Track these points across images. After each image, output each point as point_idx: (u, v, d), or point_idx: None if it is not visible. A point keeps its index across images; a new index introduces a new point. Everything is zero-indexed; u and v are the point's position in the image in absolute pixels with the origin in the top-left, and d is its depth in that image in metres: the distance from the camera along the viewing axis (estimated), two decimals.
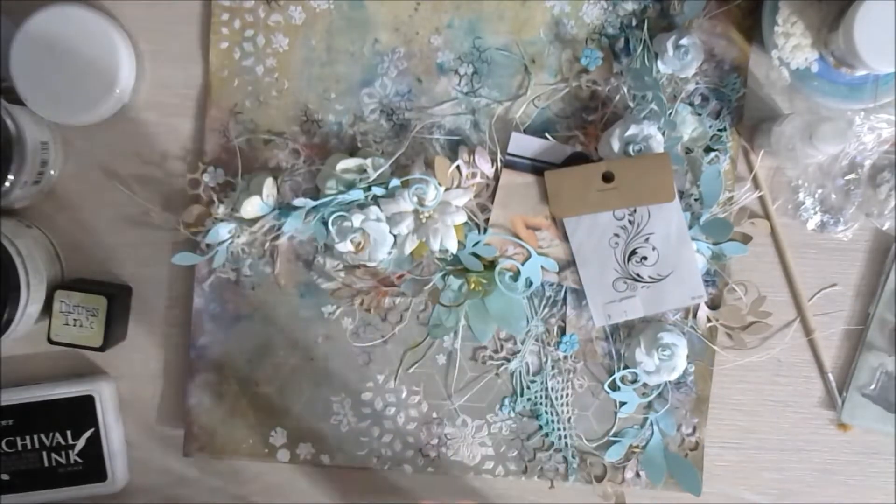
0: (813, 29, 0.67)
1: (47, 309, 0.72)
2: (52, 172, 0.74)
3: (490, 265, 0.73)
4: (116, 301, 0.73)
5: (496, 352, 0.75)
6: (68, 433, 0.70)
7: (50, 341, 0.72)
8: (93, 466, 0.70)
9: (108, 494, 0.73)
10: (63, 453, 0.70)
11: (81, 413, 0.71)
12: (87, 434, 0.70)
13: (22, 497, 0.70)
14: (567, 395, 0.75)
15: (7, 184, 0.69)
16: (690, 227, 0.72)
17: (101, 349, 0.72)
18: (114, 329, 0.73)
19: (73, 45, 0.70)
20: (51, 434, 0.70)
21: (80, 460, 0.70)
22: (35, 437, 0.70)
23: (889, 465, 0.76)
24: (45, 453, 0.70)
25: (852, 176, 0.73)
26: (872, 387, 0.75)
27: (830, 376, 0.75)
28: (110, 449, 0.70)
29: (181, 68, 0.74)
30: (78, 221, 0.75)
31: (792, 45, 0.67)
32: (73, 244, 0.75)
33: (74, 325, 0.72)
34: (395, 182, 0.71)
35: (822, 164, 0.74)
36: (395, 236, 0.72)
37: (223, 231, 0.72)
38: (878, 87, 0.67)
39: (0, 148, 0.68)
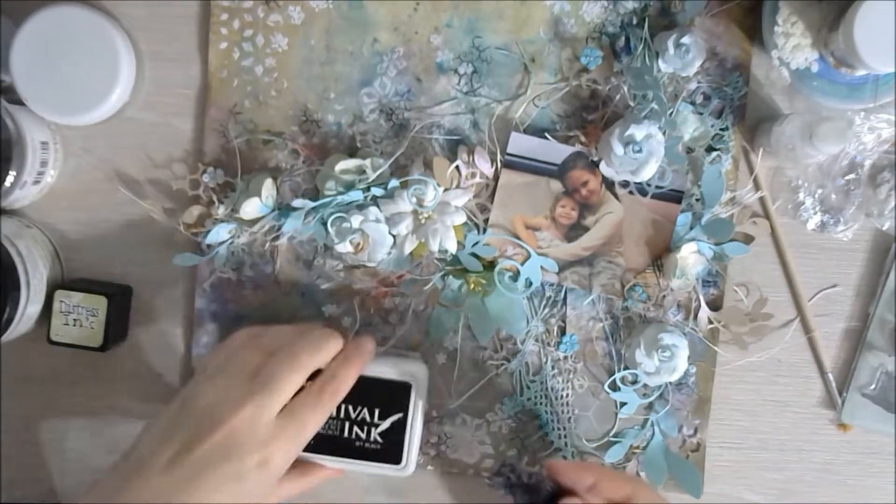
0: (813, 29, 0.67)
1: (47, 309, 0.72)
2: (52, 172, 0.74)
3: (490, 265, 0.73)
4: (116, 301, 0.73)
5: (496, 352, 0.75)
6: (376, 412, 0.70)
7: (50, 341, 0.72)
8: (390, 449, 0.70)
9: (399, 478, 0.73)
10: (365, 429, 0.70)
11: (396, 397, 0.70)
12: (394, 418, 0.70)
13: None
14: (567, 395, 0.75)
15: (7, 184, 0.70)
16: (692, 228, 0.72)
17: (102, 349, 0.72)
18: (114, 329, 0.72)
19: (73, 45, 0.70)
20: (360, 409, 0.70)
21: (380, 440, 0.70)
22: (346, 407, 0.70)
23: (889, 465, 0.76)
24: (348, 424, 0.70)
25: (852, 176, 0.73)
26: (872, 387, 0.74)
27: (830, 376, 0.75)
28: (412, 436, 0.70)
29: (181, 68, 0.74)
30: (78, 221, 0.75)
31: (792, 45, 0.67)
32: (73, 244, 0.75)
33: (74, 325, 0.72)
34: (394, 182, 0.71)
35: (822, 164, 0.73)
36: (394, 237, 0.72)
37: (223, 232, 0.72)
38: (878, 87, 0.67)
39: (0, 148, 0.69)
